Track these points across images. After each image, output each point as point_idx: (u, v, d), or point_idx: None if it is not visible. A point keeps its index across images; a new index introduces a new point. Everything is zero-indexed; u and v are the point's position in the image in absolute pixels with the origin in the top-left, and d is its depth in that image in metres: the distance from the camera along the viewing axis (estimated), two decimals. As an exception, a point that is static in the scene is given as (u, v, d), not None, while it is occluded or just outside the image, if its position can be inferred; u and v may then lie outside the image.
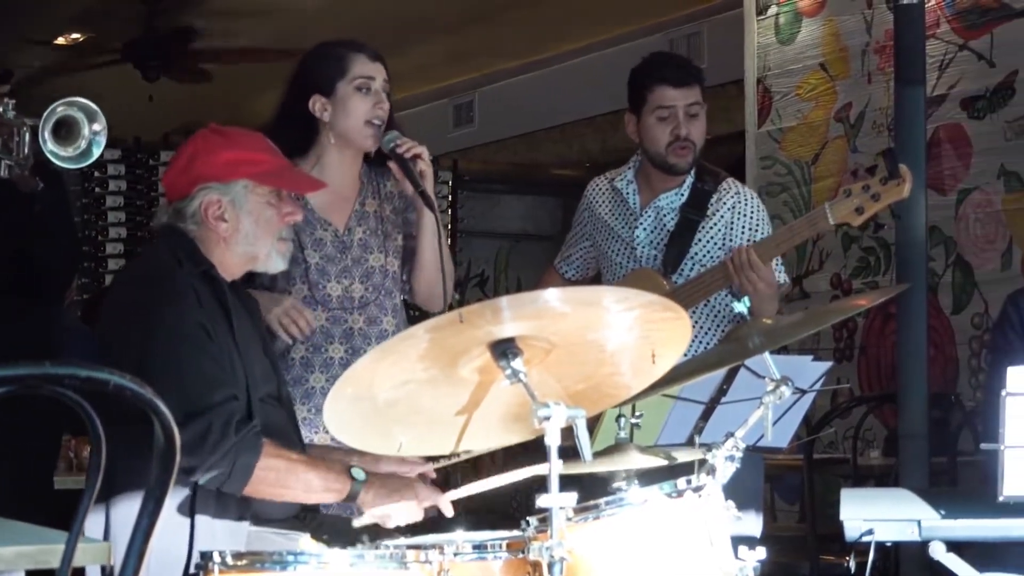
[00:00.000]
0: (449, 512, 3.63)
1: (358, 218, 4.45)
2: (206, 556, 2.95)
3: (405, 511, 3.58)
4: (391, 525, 3.61)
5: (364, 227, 4.45)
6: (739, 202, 4.90)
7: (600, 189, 5.10)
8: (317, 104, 4.38)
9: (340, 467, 3.54)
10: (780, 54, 7.58)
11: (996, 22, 6.54)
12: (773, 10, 7.61)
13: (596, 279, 5.20)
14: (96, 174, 9.67)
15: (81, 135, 4.00)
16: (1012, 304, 4.47)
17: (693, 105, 4.86)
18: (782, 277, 4.84)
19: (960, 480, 6.04)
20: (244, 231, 3.71)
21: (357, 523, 3.61)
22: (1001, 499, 3.64)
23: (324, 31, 4.87)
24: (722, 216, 4.88)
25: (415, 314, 4.57)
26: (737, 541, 3.14)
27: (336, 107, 4.38)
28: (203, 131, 3.80)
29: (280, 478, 3.47)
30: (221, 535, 3.45)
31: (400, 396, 3.01)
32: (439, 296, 4.47)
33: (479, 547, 3.07)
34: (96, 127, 4.02)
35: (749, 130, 7.72)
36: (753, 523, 4.56)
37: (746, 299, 3.63)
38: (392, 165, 4.38)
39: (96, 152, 4.02)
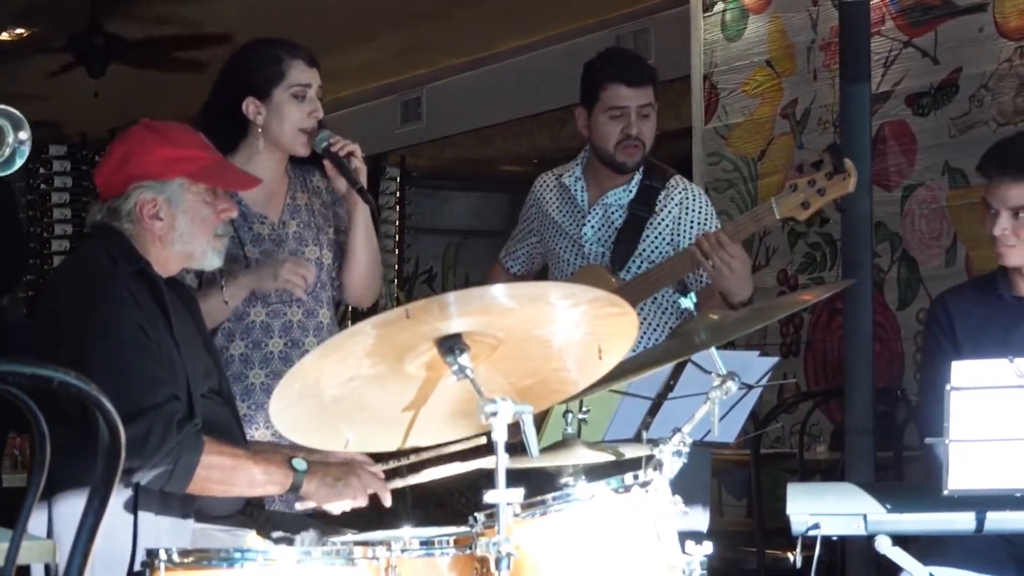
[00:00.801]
0: (388, 502, 3.63)
1: (291, 212, 4.44)
2: (152, 554, 2.94)
3: (348, 497, 3.58)
4: (337, 511, 3.62)
5: (297, 220, 4.45)
6: (687, 199, 4.92)
7: (548, 185, 5.11)
8: (251, 107, 4.36)
9: (281, 459, 3.55)
10: (727, 51, 7.60)
11: (940, 19, 6.57)
12: (719, 7, 7.63)
13: (542, 274, 5.21)
14: (42, 171, 9.61)
15: (5, 143, 3.98)
16: (940, 305, 4.49)
17: (646, 106, 4.87)
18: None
19: (906, 474, 6.07)
20: (180, 229, 3.69)
21: (300, 507, 3.63)
22: (946, 493, 3.66)
23: (272, 25, 4.86)
24: (670, 212, 4.89)
25: (362, 311, 4.57)
26: (684, 536, 3.14)
27: (271, 112, 4.36)
28: (136, 128, 3.79)
29: (223, 475, 3.47)
30: (165, 533, 3.44)
31: (347, 392, 3.01)
32: (371, 293, 4.49)
33: (427, 543, 3.07)
34: (22, 135, 4.00)
35: (696, 126, 7.73)
36: (700, 518, 4.58)
37: (692, 295, 3.63)
38: (327, 164, 4.37)
39: (19, 162, 3.99)
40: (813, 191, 4.51)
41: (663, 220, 4.89)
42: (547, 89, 9.64)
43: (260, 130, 4.38)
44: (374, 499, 3.64)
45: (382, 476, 3.66)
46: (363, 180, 4.35)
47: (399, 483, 3.70)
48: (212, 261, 3.79)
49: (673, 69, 8.09)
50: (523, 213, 5.19)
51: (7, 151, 3.98)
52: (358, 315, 4.36)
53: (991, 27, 6.36)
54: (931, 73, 6.60)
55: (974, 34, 6.43)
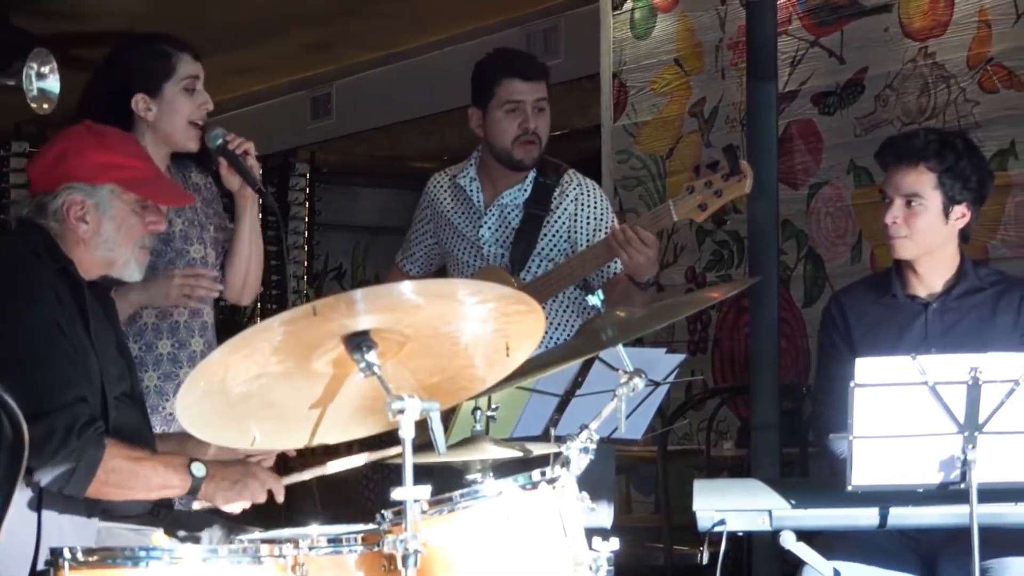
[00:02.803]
0: (280, 498, 3.63)
1: (175, 210, 4.41)
2: (56, 553, 2.92)
3: (246, 498, 3.59)
4: (236, 511, 3.61)
5: (182, 219, 4.44)
6: (582, 194, 4.93)
7: (441, 186, 5.09)
8: (141, 103, 4.34)
9: (180, 463, 3.52)
10: (635, 49, 7.63)
11: (846, 19, 6.64)
12: (629, 5, 7.66)
13: (439, 274, 5.19)
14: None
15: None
16: (835, 304, 4.54)
17: (541, 100, 4.88)
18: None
19: (811, 470, 6.12)
20: (104, 235, 3.68)
21: (197, 506, 3.62)
22: (850, 488, 3.70)
23: (182, 20, 4.83)
24: (565, 209, 4.90)
25: (272, 308, 4.56)
26: (591, 532, 3.16)
27: (162, 107, 4.34)
28: (77, 128, 3.78)
29: (122, 479, 3.45)
30: (69, 532, 3.41)
31: (253, 390, 3.00)
32: (252, 290, 4.49)
33: (334, 541, 3.07)
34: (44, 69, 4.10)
35: (605, 124, 7.76)
36: (604, 514, 4.60)
37: (599, 292, 3.65)
38: (222, 162, 4.35)
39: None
40: (710, 192, 4.54)
41: (559, 218, 4.90)
42: (457, 86, 9.54)
43: (148, 126, 4.35)
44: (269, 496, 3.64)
45: (275, 474, 3.67)
46: (258, 177, 4.34)
47: (295, 478, 3.71)
48: (133, 272, 3.78)
49: (582, 67, 8.12)
50: (417, 214, 5.17)
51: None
52: (268, 313, 4.36)
53: (896, 27, 6.43)
54: (837, 72, 6.66)
55: (879, 34, 6.50)
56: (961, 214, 4.28)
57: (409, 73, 10.59)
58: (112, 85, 4.38)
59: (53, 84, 4.11)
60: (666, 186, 7.40)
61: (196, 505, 3.65)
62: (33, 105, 4.10)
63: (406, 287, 2.94)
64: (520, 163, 4.88)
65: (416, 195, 5.26)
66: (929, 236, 4.28)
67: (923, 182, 4.25)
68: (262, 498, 3.63)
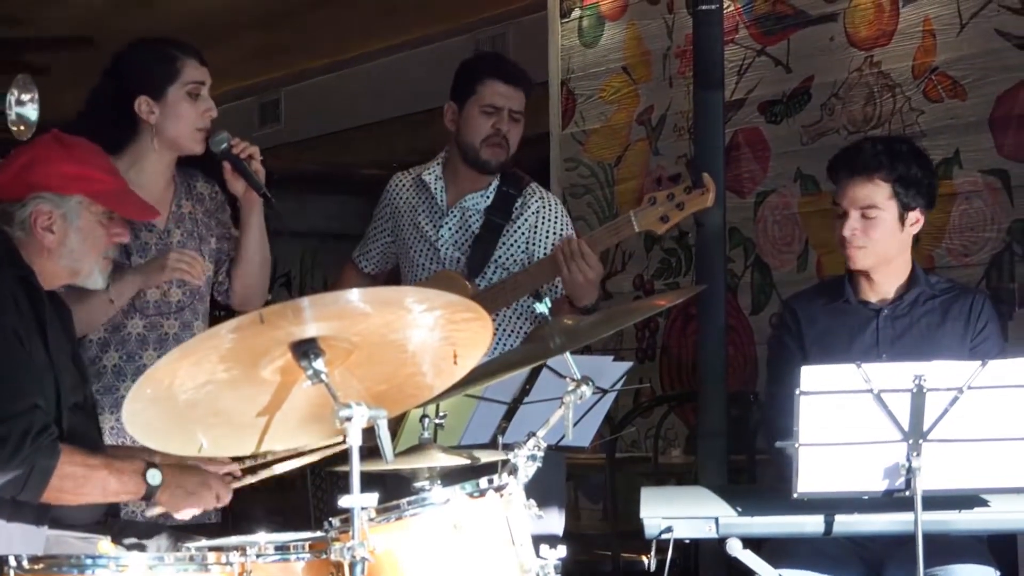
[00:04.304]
0: (225, 500, 3.66)
1: (175, 220, 4.40)
2: (1, 560, 2.91)
3: (198, 506, 3.60)
4: (186, 517, 3.61)
5: (181, 229, 4.41)
6: (543, 207, 4.93)
7: (404, 185, 5.08)
8: (144, 106, 4.30)
9: (135, 469, 3.51)
10: (583, 57, 7.65)
11: (792, 28, 6.67)
12: (576, 13, 7.67)
13: (394, 273, 5.19)
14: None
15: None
16: (788, 309, 4.57)
17: (517, 112, 4.88)
18: None
19: (759, 477, 6.15)
20: (70, 246, 3.68)
21: (149, 513, 3.62)
22: (796, 496, 3.72)
23: (126, 25, 4.81)
24: (526, 220, 4.90)
25: (220, 314, 4.54)
26: (539, 539, 3.17)
27: (165, 111, 4.31)
28: (45, 137, 3.78)
29: (76, 485, 3.44)
30: (18, 539, 3.40)
31: (201, 397, 2.99)
32: (260, 296, 4.46)
33: (281, 548, 3.07)
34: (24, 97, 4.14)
35: (553, 132, 7.77)
36: (555, 521, 4.61)
37: (547, 300, 3.66)
38: (226, 166, 4.34)
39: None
40: (672, 205, 4.55)
41: (519, 228, 4.90)
42: (406, 93, 9.64)
43: (152, 129, 4.32)
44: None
45: (228, 483, 3.67)
46: (263, 182, 4.33)
47: (242, 482, 3.72)
48: (96, 282, 3.78)
49: (530, 74, 8.12)
50: (377, 212, 5.15)
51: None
52: (216, 320, 4.33)
53: (842, 36, 6.47)
54: (784, 81, 6.69)
55: (825, 43, 6.53)
56: (916, 219, 4.32)
57: (358, 80, 10.59)
58: (117, 87, 4.34)
59: (32, 112, 4.15)
60: (615, 194, 7.42)
61: (148, 512, 3.67)
62: (13, 129, 4.14)
63: (353, 295, 2.93)
64: (486, 164, 4.87)
65: (364, 202, 5.26)
66: (886, 245, 4.32)
67: (878, 193, 4.29)
68: (211, 507, 3.64)
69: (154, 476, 3.50)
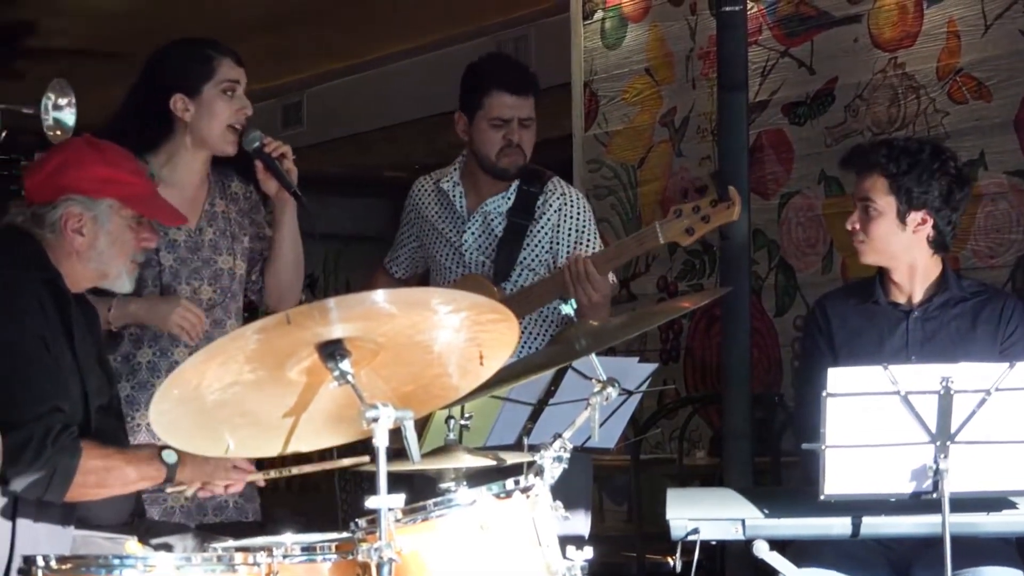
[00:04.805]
0: (239, 488, 3.71)
1: (208, 218, 4.41)
2: (29, 560, 2.92)
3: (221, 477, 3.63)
4: (218, 491, 3.66)
5: (214, 228, 4.41)
6: (565, 204, 4.91)
7: (426, 190, 5.08)
8: (179, 104, 4.31)
9: (150, 454, 3.54)
10: (606, 59, 7.64)
11: (816, 30, 6.66)
12: (599, 15, 7.67)
13: (426, 276, 5.19)
14: None
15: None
16: (819, 308, 4.55)
17: (527, 119, 4.84)
18: (611, 277, 4.89)
19: (783, 479, 6.14)
20: (99, 248, 3.69)
21: (188, 493, 3.64)
22: (823, 498, 3.71)
23: (150, 31, 4.81)
24: (548, 219, 4.89)
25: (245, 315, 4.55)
26: (565, 540, 3.16)
27: (200, 109, 4.31)
28: (77, 140, 3.80)
29: (98, 479, 3.46)
30: (44, 540, 3.41)
31: (227, 398, 3.00)
32: (293, 295, 4.46)
33: (308, 549, 3.07)
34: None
35: (576, 134, 7.77)
36: (581, 523, 4.60)
37: (572, 301, 3.65)
38: (258, 165, 4.34)
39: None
40: (697, 218, 4.53)
41: (543, 228, 4.88)
42: (429, 95, 9.63)
43: (187, 127, 4.33)
44: None
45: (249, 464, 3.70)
46: (295, 182, 4.33)
47: (273, 474, 3.74)
48: (124, 285, 3.80)
49: (553, 76, 8.12)
50: (403, 217, 5.15)
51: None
52: (245, 321, 4.34)
53: (866, 38, 6.46)
54: (807, 83, 6.68)
55: (849, 45, 6.52)
56: (920, 220, 4.28)
57: (380, 82, 10.60)
58: (153, 84, 4.35)
59: (69, 116, 4.15)
60: (638, 195, 7.41)
61: (189, 491, 3.67)
62: (48, 133, 4.14)
63: (379, 296, 2.93)
64: (504, 172, 4.86)
65: (387, 204, 5.27)
66: (886, 242, 4.30)
67: (877, 188, 4.28)
68: (238, 486, 3.68)
69: (169, 455, 3.52)
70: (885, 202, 4.28)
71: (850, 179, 4.53)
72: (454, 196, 4.96)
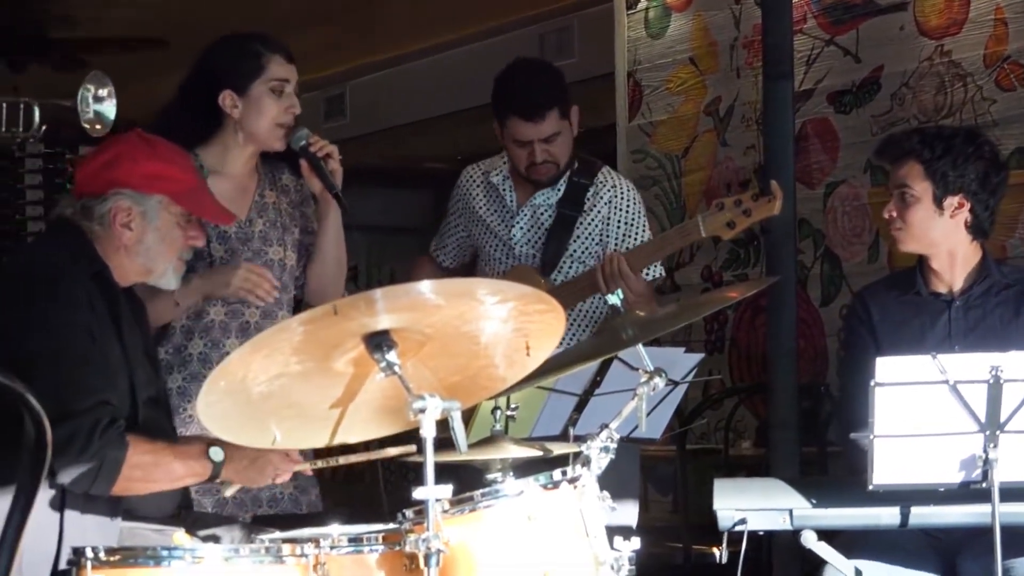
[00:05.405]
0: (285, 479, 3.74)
1: (258, 209, 4.42)
2: (78, 552, 2.93)
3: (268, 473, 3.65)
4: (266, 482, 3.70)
5: (264, 219, 4.42)
6: (615, 196, 4.91)
7: (474, 180, 5.07)
8: (228, 100, 4.32)
9: (198, 451, 3.55)
10: (650, 48, 7.62)
11: (862, 18, 6.62)
12: (643, 4, 7.64)
13: (473, 263, 5.18)
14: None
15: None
16: (860, 300, 4.54)
17: (550, 137, 4.81)
18: (658, 270, 4.89)
19: (830, 469, 6.11)
20: (147, 244, 3.71)
21: (228, 492, 3.72)
22: (871, 487, 3.69)
23: (196, 22, 4.82)
24: (599, 212, 4.88)
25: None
26: (613, 531, 3.15)
27: (248, 106, 4.32)
28: (130, 134, 3.80)
29: (145, 473, 3.48)
30: (92, 531, 3.43)
31: (274, 389, 3.00)
32: (336, 293, 4.46)
33: (355, 540, 3.07)
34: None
35: (620, 124, 7.75)
36: (629, 513, 4.59)
37: (619, 291, 3.64)
38: (303, 163, 4.35)
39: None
40: (739, 211, 4.54)
41: (592, 220, 4.88)
42: (471, 86, 9.60)
43: (236, 124, 4.34)
44: None
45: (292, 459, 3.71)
46: (339, 182, 4.34)
47: (320, 464, 3.76)
48: (170, 282, 3.81)
49: (597, 66, 8.11)
50: (451, 206, 5.15)
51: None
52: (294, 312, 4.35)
53: (912, 25, 6.42)
54: (853, 71, 6.65)
55: (895, 32, 6.48)
56: (958, 204, 4.26)
57: (423, 73, 10.59)
58: (203, 81, 4.36)
59: (109, 108, 4.15)
60: (682, 185, 7.39)
61: (228, 492, 3.74)
62: (87, 126, 4.14)
63: (425, 287, 2.93)
64: (539, 183, 4.87)
65: (430, 196, 5.27)
66: (924, 228, 4.29)
67: (912, 174, 4.27)
68: (285, 476, 3.70)
69: (216, 453, 3.55)
70: (921, 188, 4.26)
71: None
72: (504, 190, 4.96)
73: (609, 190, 4.90)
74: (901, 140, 4.37)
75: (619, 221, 4.87)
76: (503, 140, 4.90)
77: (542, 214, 4.89)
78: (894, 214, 4.31)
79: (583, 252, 4.85)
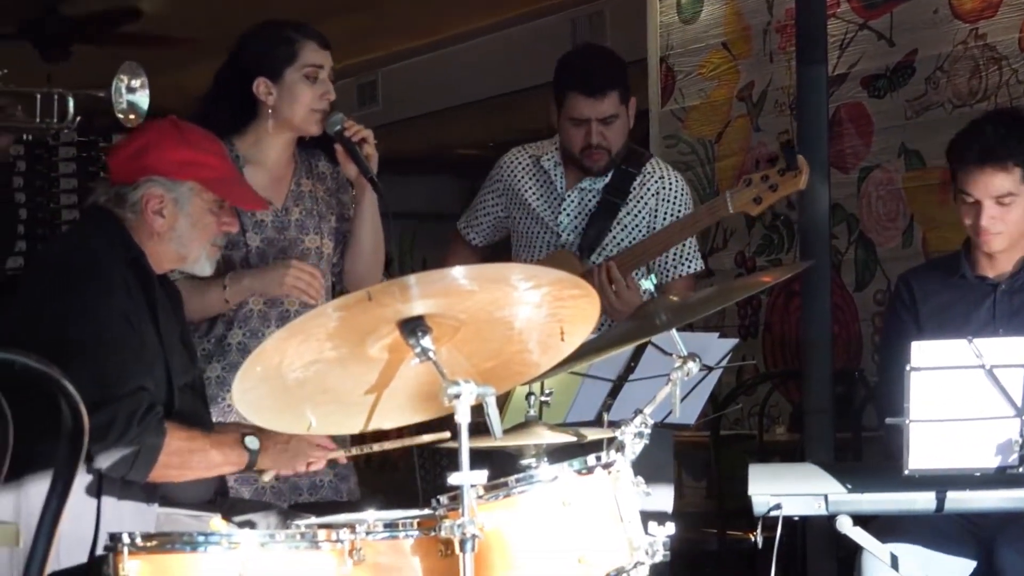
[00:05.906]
0: (320, 465, 3.79)
1: (294, 198, 4.41)
2: (115, 537, 2.93)
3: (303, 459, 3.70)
4: (300, 469, 3.73)
5: (300, 207, 4.42)
6: (663, 188, 4.90)
7: (521, 164, 5.03)
8: (262, 87, 4.31)
9: (234, 440, 3.58)
10: (683, 33, 7.61)
11: (895, 2, 6.60)
12: (675, -11, 7.64)
13: (502, 244, 5.16)
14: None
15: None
16: (903, 283, 4.51)
17: (609, 117, 4.80)
18: (697, 264, 4.89)
19: (864, 455, 6.10)
20: (179, 230, 3.71)
21: (266, 478, 3.79)
22: (907, 472, 3.68)
23: (226, 13, 4.82)
24: (646, 203, 4.87)
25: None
26: (648, 516, 3.15)
27: (282, 93, 4.31)
28: (162, 121, 3.81)
29: (182, 461, 3.50)
30: (129, 517, 3.44)
31: (309, 375, 3.01)
32: (373, 280, 4.45)
33: (390, 526, 3.07)
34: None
35: (652, 109, 7.74)
36: (665, 498, 4.59)
37: (652, 276, 3.64)
38: (338, 148, 4.35)
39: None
40: (766, 187, 4.54)
41: (639, 210, 4.86)
42: (503, 72, 9.63)
43: (270, 111, 4.34)
44: None
45: (327, 447, 3.75)
46: (374, 167, 4.33)
47: (355, 451, 3.78)
48: (204, 268, 3.82)
49: (629, 52, 8.06)
50: (489, 185, 5.10)
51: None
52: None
53: (946, 9, 6.39)
54: (887, 55, 6.62)
55: (929, 16, 6.46)
56: None
57: (454, 60, 10.59)
58: (238, 68, 4.36)
59: (142, 98, 4.15)
60: (715, 170, 7.38)
61: (267, 477, 3.77)
62: (120, 116, 4.14)
63: (459, 272, 2.93)
64: (588, 170, 4.85)
65: (463, 182, 5.25)
66: (1021, 225, 4.25)
67: (1014, 180, 4.20)
68: (319, 463, 3.74)
69: (252, 441, 3.58)
70: (1020, 189, 4.22)
71: (931, 152, 4.48)
72: (555, 176, 4.94)
73: (657, 181, 4.89)
74: (992, 147, 4.20)
75: (666, 213, 4.86)
76: (559, 121, 4.86)
77: (590, 200, 4.88)
78: (995, 220, 4.22)
79: (626, 239, 4.84)
